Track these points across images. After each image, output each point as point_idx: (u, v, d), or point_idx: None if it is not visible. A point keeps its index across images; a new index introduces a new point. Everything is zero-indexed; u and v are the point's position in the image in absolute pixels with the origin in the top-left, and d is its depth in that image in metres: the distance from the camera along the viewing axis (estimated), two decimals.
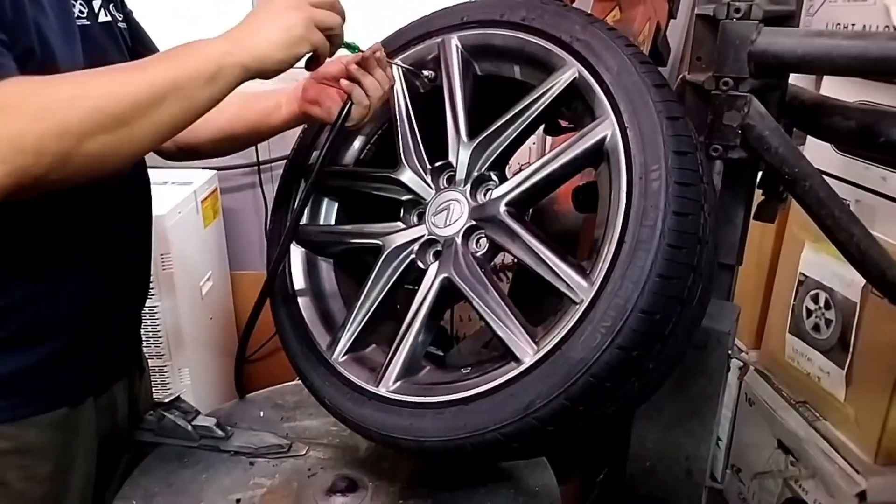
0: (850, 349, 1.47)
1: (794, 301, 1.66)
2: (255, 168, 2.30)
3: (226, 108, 0.96)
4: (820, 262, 1.57)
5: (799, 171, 0.95)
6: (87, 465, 1.02)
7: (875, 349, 1.41)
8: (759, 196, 1.15)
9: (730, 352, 1.07)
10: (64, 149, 0.69)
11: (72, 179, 0.73)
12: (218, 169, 2.22)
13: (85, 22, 0.93)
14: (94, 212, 0.94)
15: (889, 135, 0.86)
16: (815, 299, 1.59)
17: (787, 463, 1.67)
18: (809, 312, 1.62)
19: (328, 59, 0.90)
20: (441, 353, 1.08)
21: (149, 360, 1.78)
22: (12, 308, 0.91)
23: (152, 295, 1.76)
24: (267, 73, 0.82)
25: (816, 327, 1.59)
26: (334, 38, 0.87)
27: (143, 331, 1.78)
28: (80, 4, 0.93)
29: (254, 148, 2.23)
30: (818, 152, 1.54)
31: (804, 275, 1.63)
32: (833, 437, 1.53)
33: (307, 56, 0.86)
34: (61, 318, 0.95)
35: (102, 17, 0.97)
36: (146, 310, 1.77)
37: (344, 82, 0.95)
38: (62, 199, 0.81)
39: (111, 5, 1.01)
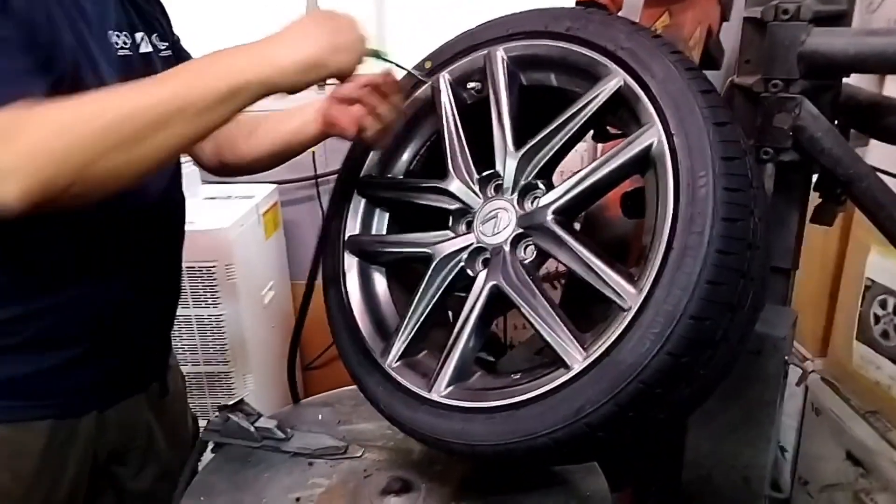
0: None
1: (861, 307, 1.60)
2: (314, 181, 2.38)
3: (264, 128, 1.01)
4: (887, 266, 1.51)
5: (854, 173, 0.93)
6: (78, 476, 1.04)
7: None
8: (816, 199, 1.12)
9: (787, 358, 1.05)
10: (82, 163, 0.74)
11: (91, 193, 0.77)
12: (278, 182, 2.31)
13: (126, 52, 0.98)
14: (122, 227, 0.98)
15: None
16: (884, 305, 1.54)
17: (856, 475, 1.61)
18: (877, 319, 1.56)
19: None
20: (493, 360, 1.10)
21: (212, 367, 1.90)
22: (29, 316, 0.95)
23: (217, 304, 1.85)
24: (284, 91, 0.84)
25: (885, 334, 1.54)
26: (354, 62, 0.89)
27: (209, 338, 1.88)
28: (124, 36, 0.98)
29: (312, 162, 2.31)
30: (885, 153, 1.49)
31: (871, 280, 1.57)
32: None
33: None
34: (72, 331, 0.98)
35: (144, 48, 1.03)
36: (212, 318, 1.87)
37: (356, 108, 0.98)
38: (89, 215, 0.85)
39: (154, 35, 1.06)
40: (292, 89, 0.84)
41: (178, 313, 1.86)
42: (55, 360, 0.99)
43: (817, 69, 0.92)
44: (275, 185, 2.26)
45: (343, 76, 0.90)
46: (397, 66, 1.02)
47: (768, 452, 1.11)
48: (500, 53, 1.01)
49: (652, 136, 0.82)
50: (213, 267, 1.81)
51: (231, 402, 1.16)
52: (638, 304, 0.77)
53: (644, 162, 0.83)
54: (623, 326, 0.77)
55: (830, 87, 0.97)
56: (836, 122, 1.02)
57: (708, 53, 1.59)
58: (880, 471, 1.49)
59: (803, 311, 1.91)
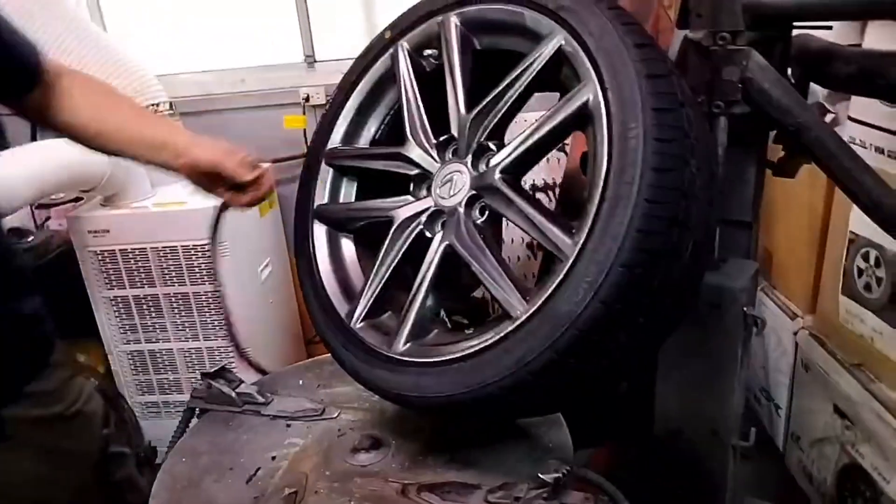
0: None
1: (846, 261, 1.60)
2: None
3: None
4: (868, 219, 1.50)
5: (803, 122, 0.94)
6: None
7: None
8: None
9: (746, 309, 1.06)
10: None
11: None
12: (272, 161, 2.34)
13: None
14: None
15: (889, 76, 0.83)
16: (866, 257, 1.53)
17: (842, 428, 1.62)
18: (860, 272, 1.55)
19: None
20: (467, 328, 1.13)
21: (211, 342, 1.95)
22: None
23: (213, 280, 1.91)
24: None
25: (868, 287, 1.53)
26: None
27: (206, 314, 1.94)
28: None
29: (303, 140, 2.34)
30: (862, 105, 1.48)
31: (854, 233, 1.56)
32: (888, 398, 1.47)
33: None
34: None
35: None
36: (209, 295, 1.93)
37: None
38: None
39: None
40: None
41: (175, 291, 1.94)
42: None
43: (763, 20, 0.93)
44: (268, 164, 2.30)
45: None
46: None
47: (733, 404, 1.13)
48: (453, 19, 1.03)
49: (588, 91, 0.84)
50: (207, 245, 1.86)
51: (213, 370, 1.21)
52: (574, 255, 0.79)
53: (582, 118, 0.85)
54: (560, 277, 0.80)
55: (779, 39, 0.98)
56: (789, 73, 1.02)
57: (685, 11, 1.58)
58: (863, 422, 1.50)
59: (792, 268, 1.92)
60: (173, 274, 1.91)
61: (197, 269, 1.90)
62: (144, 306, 1.96)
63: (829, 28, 1.41)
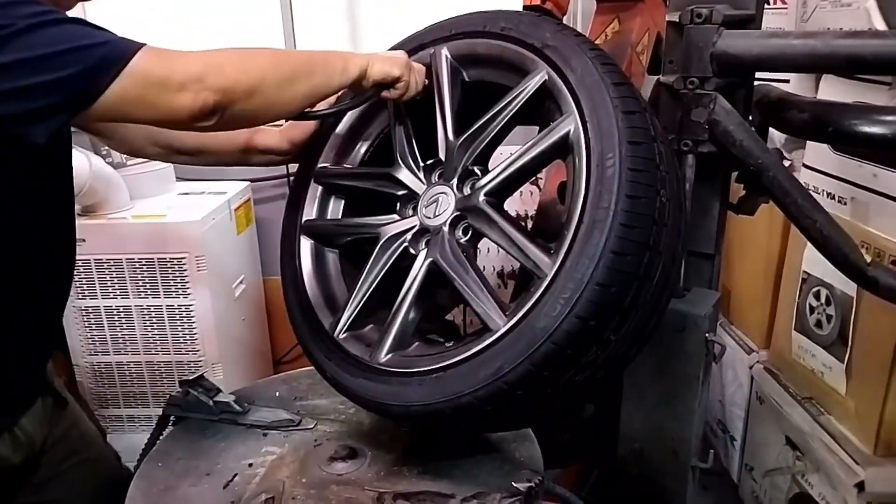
0: (849, 343, 1.50)
1: (799, 299, 1.69)
2: (286, 180, 2.45)
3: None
4: (821, 259, 1.59)
5: (763, 163, 1.02)
6: None
7: (871, 342, 1.44)
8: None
9: (708, 335, 1.13)
10: (250, 86, 0.88)
11: (243, 119, 0.92)
12: (252, 180, 2.37)
13: None
14: (17, 257, 0.99)
15: (836, 124, 0.93)
16: (817, 296, 1.63)
17: (793, 458, 1.69)
18: (812, 309, 1.65)
19: None
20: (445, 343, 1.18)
21: (182, 356, 1.95)
22: None
23: (188, 294, 1.91)
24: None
25: (819, 324, 1.63)
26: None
27: (178, 328, 1.94)
28: None
29: None
30: (815, 153, 1.59)
31: (807, 272, 1.66)
32: (835, 430, 1.55)
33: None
34: None
35: None
36: (182, 308, 1.93)
37: None
38: None
39: None
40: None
41: (149, 304, 1.94)
42: None
43: (728, 68, 1.01)
44: (248, 183, 2.33)
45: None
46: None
47: (693, 425, 1.19)
48: (444, 52, 1.09)
49: (569, 123, 0.90)
50: (184, 259, 1.87)
51: (191, 378, 1.23)
52: (552, 273, 0.85)
53: (564, 147, 0.92)
54: (539, 293, 0.85)
55: (742, 85, 1.07)
56: (751, 118, 1.11)
57: (657, 57, 1.69)
58: (813, 452, 1.58)
59: (749, 305, 2.01)
60: (147, 286, 1.91)
61: (172, 282, 1.90)
62: (115, 317, 1.95)
63: (787, 81, 1.53)
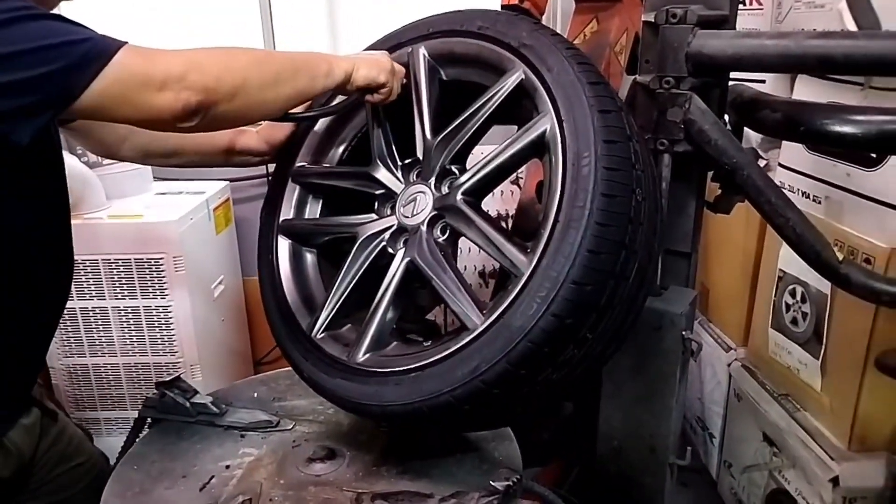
0: (824, 340, 1.52)
1: (775, 297, 1.72)
2: (266, 180, 2.43)
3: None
4: (796, 257, 1.62)
5: (737, 162, 1.03)
6: None
7: (845, 339, 1.46)
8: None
9: (685, 333, 1.14)
10: (233, 86, 0.87)
11: (226, 119, 0.90)
12: (231, 180, 2.35)
13: None
14: (18, 257, 0.98)
15: (808, 124, 0.94)
16: (793, 294, 1.65)
17: (770, 455, 1.71)
18: (788, 307, 1.67)
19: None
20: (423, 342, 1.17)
21: (160, 358, 1.92)
22: None
23: (165, 295, 1.89)
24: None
25: (794, 321, 1.65)
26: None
27: (156, 329, 1.92)
28: None
29: None
30: (791, 152, 1.62)
31: (783, 271, 1.68)
32: (811, 426, 1.57)
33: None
34: None
35: None
36: (160, 309, 1.91)
37: None
38: None
39: None
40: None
41: (126, 305, 1.91)
42: None
43: (703, 68, 1.02)
44: (227, 183, 2.31)
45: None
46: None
47: (670, 422, 1.20)
48: (421, 51, 1.09)
49: (546, 122, 0.91)
50: (162, 259, 1.85)
51: (167, 379, 1.21)
52: (528, 272, 0.85)
53: (540, 146, 0.92)
54: (515, 292, 0.85)
55: (717, 85, 1.08)
56: (726, 117, 1.12)
57: (635, 57, 1.71)
58: (789, 449, 1.60)
59: (727, 303, 2.04)
60: (124, 287, 1.89)
61: (149, 283, 1.88)
62: (91, 319, 1.92)
63: (763, 81, 1.55)
